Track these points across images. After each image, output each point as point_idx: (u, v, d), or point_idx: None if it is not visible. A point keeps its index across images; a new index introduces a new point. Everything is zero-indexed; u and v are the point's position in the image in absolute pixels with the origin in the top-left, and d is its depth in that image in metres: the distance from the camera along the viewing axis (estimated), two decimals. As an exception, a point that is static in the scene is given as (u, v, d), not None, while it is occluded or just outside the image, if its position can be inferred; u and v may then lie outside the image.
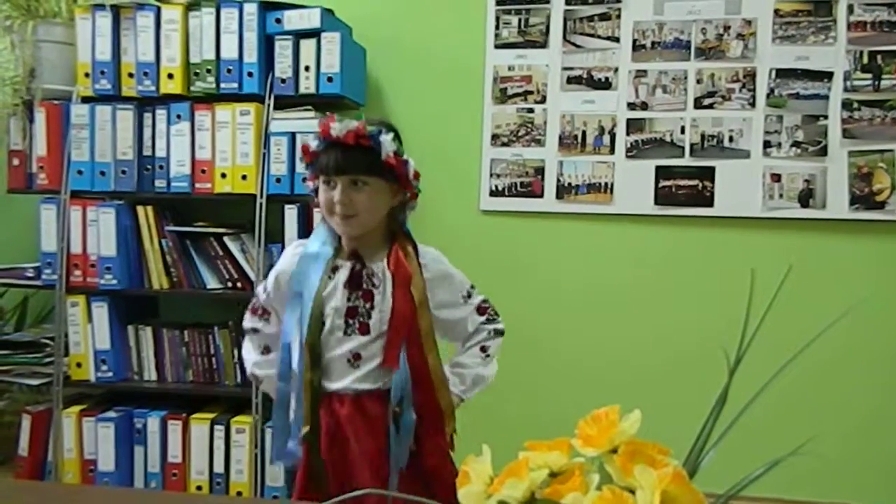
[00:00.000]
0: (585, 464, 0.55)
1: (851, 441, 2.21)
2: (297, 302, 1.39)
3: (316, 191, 1.41)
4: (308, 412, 1.37)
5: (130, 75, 2.30)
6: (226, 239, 2.29)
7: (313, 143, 1.37)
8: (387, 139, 1.32)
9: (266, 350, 1.50)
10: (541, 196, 2.42)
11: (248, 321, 1.53)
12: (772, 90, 2.28)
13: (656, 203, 2.35)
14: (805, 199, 2.27)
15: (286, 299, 1.42)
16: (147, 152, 2.31)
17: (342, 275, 1.38)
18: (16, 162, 2.40)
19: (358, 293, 1.37)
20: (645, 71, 2.35)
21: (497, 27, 2.44)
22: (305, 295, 1.38)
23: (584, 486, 0.52)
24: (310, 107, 2.22)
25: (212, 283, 2.30)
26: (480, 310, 1.50)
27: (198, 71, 2.26)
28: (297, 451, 1.42)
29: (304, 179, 1.51)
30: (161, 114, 2.29)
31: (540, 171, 2.42)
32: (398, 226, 1.44)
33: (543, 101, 2.41)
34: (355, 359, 1.37)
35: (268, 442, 2.22)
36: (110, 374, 2.33)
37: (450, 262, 1.50)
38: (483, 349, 1.49)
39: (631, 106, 2.36)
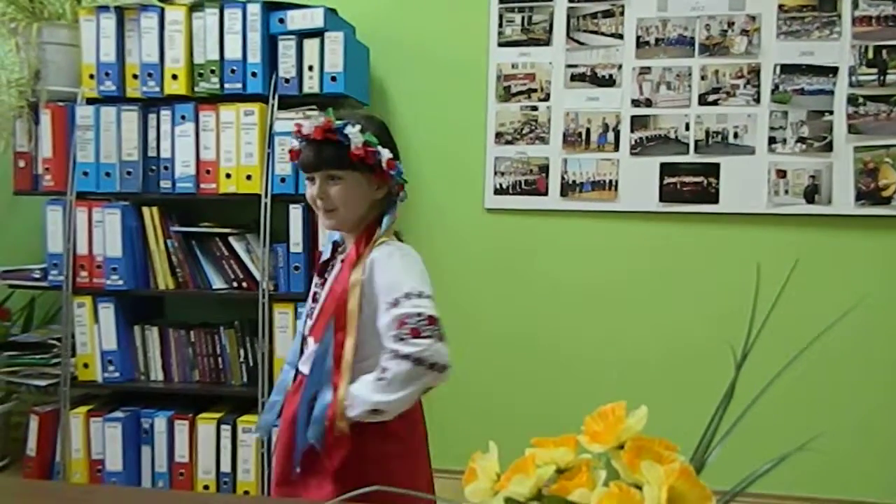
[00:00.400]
0: (592, 460, 0.55)
1: (858, 437, 2.21)
2: None
3: None
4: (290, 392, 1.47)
5: (135, 76, 2.30)
6: (231, 239, 2.29)
7: (294, 143, 1.40)
8: (353, 131, 1.31)
9: None
10: (545, 194, 2.42)
11: None
12: (776, 86, 2.28)
13: (661, 200, 2.35)
14: (811, 194, 2.26)
15: None
16: (152, 153, 2.32)
17: (319, 263, 1.46)
18: (22, 164, 2.41)
19: (321, 280, 1.44)
20: (649, 68, 2.35)
21: (500, 25, 2.44)
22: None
23: (591, 482, 0.52)
24: (314, 106, 2.22)
25: (217, 283, 2.31)
26: (398, 324, 1.25)
27: (202, 71, 2.26)
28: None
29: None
30: (165, 114, 2.29)
31: (544, 168, 2.42)
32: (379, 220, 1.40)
33: (547, 98, 2.41)
34: (305, 342, 1.44)
35: (274, 441, 2.22)
36: (117, 374, 2.34)
37: (406, 259, 1.35)
38: (382, 370, 1.26)
39: (635, 103, 2.36)
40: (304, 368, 1.41)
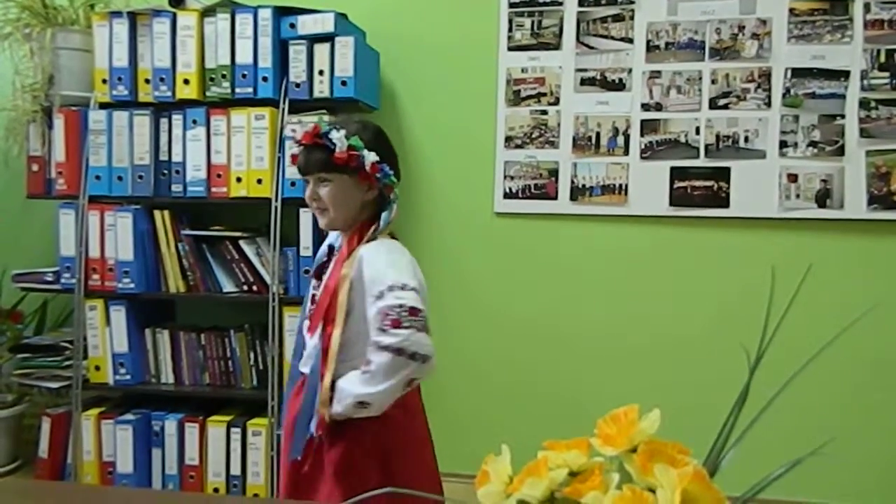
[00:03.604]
0: (605, 463, 0.55)
1: (873, 441, 2.19)
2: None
3: None
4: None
5: (147, 81, 2.32)
6: (241, 242, 2.31)
7: (294, 149, 1.47)
8: (338, 136, 1.37)
9: None
10: (555, 198, 2.42)
11: None
12: (787, 90, 2.27)
13: (671, 204, 2.34)
14: (822, 199, 2.25)
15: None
16: (163, 157, 2.33)
17: (316, 266, 1.51)
18: (35, 168, 2.43)
19: (318, 282, 1.47)
20: (659, 72, 2.34)
21: (510, 29, 2.44)
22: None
23: (604, 485, 0.52)
24: (324, 111, 2.23)
25: (228, 286, 2.32)
26: (381, 316, 1.28)
27: (213, 76, 2.28)
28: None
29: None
30: (177, 119, 2.31)
31: (554, 172, 2.42)
32: (375, 219, 1.44)
33: (557, 102, 2.41)
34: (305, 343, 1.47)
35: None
36: (128, 376, 2.35)
37: (392, 254, 1.39)
38: (366, 363, 1.30)
39: (645, 107, 2.35)
40: (305, 369, 1.45)
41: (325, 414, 1.33)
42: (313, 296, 1.47)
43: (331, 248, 1.52)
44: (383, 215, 1.42)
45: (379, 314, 1.29)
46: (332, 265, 1.44)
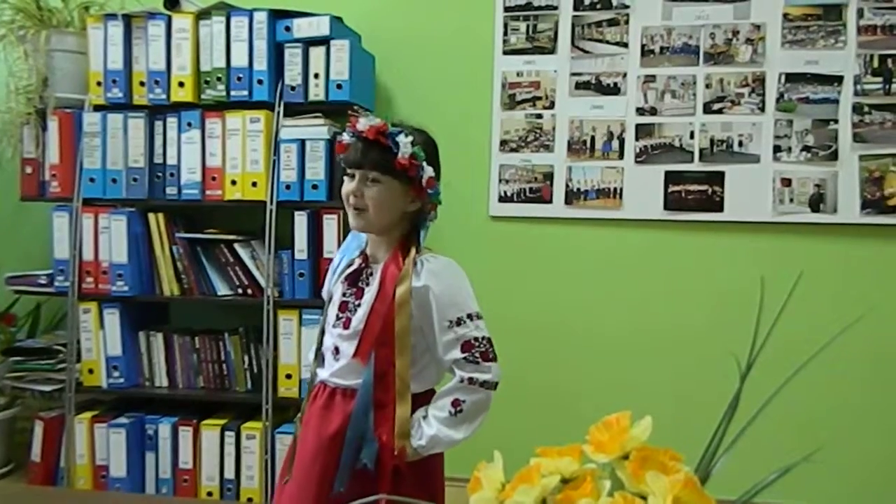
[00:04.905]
0: (597, 470, 0.55)
1: (865, 447, 2.19)
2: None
3: None
4: (307, 397, 1.47)
5: (142, 84, 2.32)
6: (236, 246, 2.30)
7: (345, 137, 1.40)
8: (404, 140, 1.33)
9: None
10: (550, 202, 2.42)
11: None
12: (781, 94, 2.28)
13: (666, 208, 2.35)
14: (816, 203, 2.26)
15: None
16: (158, 160, 2.33)
17: (349, 271, 1.44)
18: (29, 170, 2.43)
19: (353, 289, 1.41)
20: (654, 76, 2.35)
21: (505, 33, 2.44)
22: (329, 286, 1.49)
23: (596, 492, 0.52)
24: (319, 114, 2.23)
25: (222, 289, 2.32)
26: (465, 346, 1.32)
27: (208, 79, 2.28)
28: (293, 431, 1.50)
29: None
30: (172, 122, 2.31)
31: (549, 176, 2.42)
32: (414, 234, 1.41)
33: (552, 106, 2.41)
34: (336, 352, 1.40)
35: (278, 448, 2.23)
36: (122, 380, 2.35)
37: (463, 278, 1.39)
38: (455, 404, 1.32)
39: (640, 111, 2.36)
40: (337, 380, 1.39)
41: (407, 447, 1.31)
42: (345, 302, 1.40)
43: (364, 256, 1.43)
44: (422, 233, 1.40)
45: (459, 342, 1.32)
46: (376, 279, 1.37)
